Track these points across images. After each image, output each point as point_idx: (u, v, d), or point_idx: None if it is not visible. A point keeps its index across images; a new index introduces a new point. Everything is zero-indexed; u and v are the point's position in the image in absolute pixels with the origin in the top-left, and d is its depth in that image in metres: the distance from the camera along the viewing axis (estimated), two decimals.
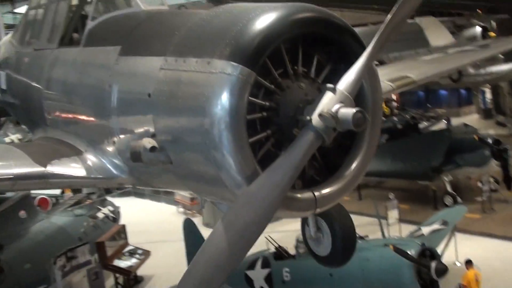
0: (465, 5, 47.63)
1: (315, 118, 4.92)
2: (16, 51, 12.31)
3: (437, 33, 16.63)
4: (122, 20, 8.14)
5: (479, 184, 29.17)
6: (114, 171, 7.32)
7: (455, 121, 57.30)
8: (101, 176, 7.38)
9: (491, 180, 30.22)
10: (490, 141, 29.39)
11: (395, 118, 42.29)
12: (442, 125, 42.78)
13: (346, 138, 5.80)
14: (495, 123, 54.26)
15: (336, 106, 4.87)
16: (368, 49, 5.05)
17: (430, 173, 29.99)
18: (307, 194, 5.53)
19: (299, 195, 5.47)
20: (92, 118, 7.90)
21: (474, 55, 10.83)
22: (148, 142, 6.04)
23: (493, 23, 50.95)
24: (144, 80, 6.51)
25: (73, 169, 7.52)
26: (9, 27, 51.02)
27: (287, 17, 5.37)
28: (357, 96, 5.41)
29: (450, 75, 45.69)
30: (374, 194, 33.15)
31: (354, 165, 5.78)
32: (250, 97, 5.28)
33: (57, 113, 9.11)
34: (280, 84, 5.51)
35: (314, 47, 5.73)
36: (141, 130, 6.51)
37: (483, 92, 62.37)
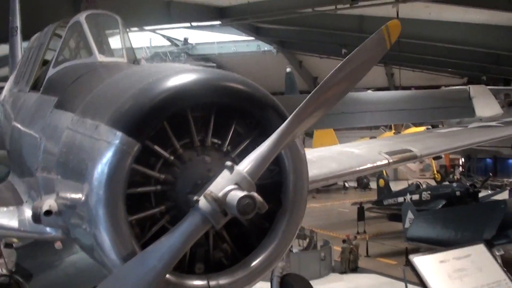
0: None
1: (202, 200, 4.39)
2: (10, 89, 12.35)
3: (485, 103, 16.04)
4: (72, 71, 7.88)
5: None
6: (47, 228, 6.65)
7: None
8: (32, 231, 7.09)
9: None
10: None
11: (454, 185, 41.34)
12: (505, 195, 41.39)
13: (267, 220, 5.20)
14: None
15: (227, 188, 4.33)
16: (281, 128, 4.48)
17: None
18: (200, 283, 4.92)
19: (189, 282, 4.88)
20: (29, 169, 7.56)
21: (494, 132, 10.25)
22: (47, 205, 5.65)
23: None
24: (56, 138, 6.15)
25: (6, 219, 7.33)
26: None
27: (189, 84, 4.90)
28: (277, 182, 5.01)
29: None
30: None
31: (262, 256, 5.10)
32: (143, 168, 4.79)
33: (14, 158, 8.94)
34: (181, 155, 4.95)
35: (233, 118, 5.19)
36: (50, 190, 6.05)
37: None
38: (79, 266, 23.55)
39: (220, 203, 4.27)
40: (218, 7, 33.30)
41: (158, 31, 46.78)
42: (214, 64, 53.94)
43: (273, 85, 59.80)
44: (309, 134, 51.03)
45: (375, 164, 8.75)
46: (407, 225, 33.76)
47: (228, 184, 4.36)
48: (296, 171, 5.22)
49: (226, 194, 4.30)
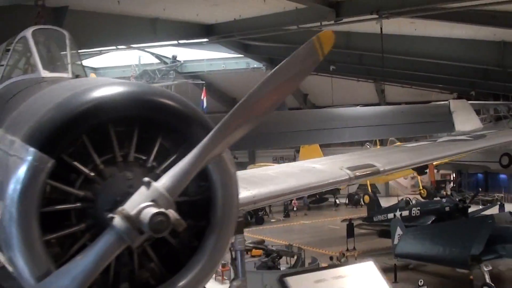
0: None
1: (116, 217, 4.19)
2: None
3: (465, 118, 15.97)
4: (14, 87, 7.64)
5: None
6: None
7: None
8: None
9: None
10: None
11: (444, 200, 41.37)
12: (495, 210, 41.55)
13: (198, 238, 5.07)
14: None
15: (142, 205, 4.15)
16: (203, 143, 4.34)
17: (468, 261, 28.54)
18: None
19: None
20: None
21: (462, 146, 10.13)
22: None
23: None
24: None
25: None
26: None
27: (110, 97, 4.69)
28: (208, 198, 4.85)
29: (500, 160, 44.74)
30: (413, 277, 31.75)
31: (189, 276, 4.94)
32: (59, 184, 4.59)
33: None
34: (102, 171, 4.75)
35: (159, 133, 5.02)
36: None
37: None
38: None
39: (133, 221, 4.11)
40: (205, 25, 33.31)
41: (146, 49, 46.80)
42: (203, 82, 53.97)
43: None
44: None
45: (335, 180, 8.62)
46: (396, 241, 33.72)
47: (144, 201, 4.20)
48: (225, 187, 5.06)
49: (140, 212, 4.13)
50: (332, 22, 27.78)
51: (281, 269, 30.82)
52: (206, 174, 4.82)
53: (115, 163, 4.82)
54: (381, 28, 27.14)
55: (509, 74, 38.85)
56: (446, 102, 17.96)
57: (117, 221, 4.16)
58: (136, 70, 50.86)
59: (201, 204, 5.02)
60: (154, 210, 4.09)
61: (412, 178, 70.59)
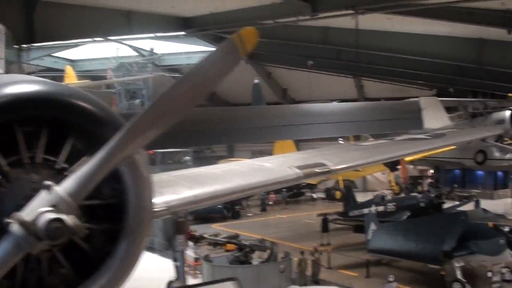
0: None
1: (13, 223, 3.99)
2: None
3: (434, 115, 15.96)
4: None
5: (489, 274, 27.79)
6: None
7: (488, 203, 56.02)
8: None
9: (505, 270, 28.82)
10: (506, 230, 28.06)
11: (419, 196, 41.60)
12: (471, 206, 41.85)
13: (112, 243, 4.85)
14: None
15: (39, 211, 3.97)
16: (110, 145, 4.15)
17: (440, 257, 28.69)
18: None
19: None
20: None
21: (419, 145, 10.05)
22: None
23: None
24: None
25: None
26: (48, 70, 52.72)
27: (15, 96, 4.45)
28: (120, 202, 4.66)
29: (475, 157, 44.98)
30: (385, 272, 31.83)
31: (101, 281, 4.74)
32: None
33: None
34: (7, 174, 4.48)
35: (71, 135, 4.80)
36: None
37: None
38: None
39: (29, 227, 3.95)
40: (181, 18, 33.13)
41: (124, 42, 46.44)
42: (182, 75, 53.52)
43: (239, 96, 59.99)
44: None
45: (283, 179, 8.50)
46: (369, 236, 33.82)
47: (43, 205, 4.02)
48: (137, 190, 4.82)
49: (36, 217, 3.96)
50: (308, 17, 27.69)
51: (254, 263, 30.85)
52: (118, 176, 4.62)
53: (23, 165, 4.59)
54: (356, 24, 27.14)
55: (486, 71, 39.05)
56: (416, 99, 17.89)
57: (14, 227, 3.99)
58: (113, 62, 50.44)
59: (117, 207, 4.81)
60: (51, 216, 3.94)
61: (388, 173, 71.12)
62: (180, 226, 7.24)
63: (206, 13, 31.79)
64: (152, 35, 37.62)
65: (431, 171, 68.17)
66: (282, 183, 8.72)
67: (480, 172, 61.82)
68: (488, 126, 43.47)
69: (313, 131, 17.49)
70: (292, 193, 62.95)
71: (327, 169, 8.70)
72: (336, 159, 8.94)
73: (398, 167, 37.72)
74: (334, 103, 22.55)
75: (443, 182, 64.49)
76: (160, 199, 7.47)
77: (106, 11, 28.35)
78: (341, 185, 40.94)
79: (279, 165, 8.60)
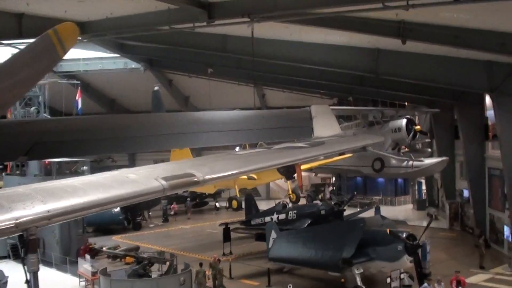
0: (403, 96, 48.22)
1: None
2: None
3: (324, 123, 15.79)
4: None
5: (388, 280, 28.08)
6: None
7: (390, 210, 57.50)
8: None
9: (403, 275, 29.25)
10: (404, 235, 28.42)
11: (320, 204, 41.89)
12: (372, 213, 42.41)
13: None
14: (426, 214, 54.21)
15: None
16: None
17: (340, 264, 28.80)
18: None
19: None
20: None
21: (297, 154, 9.74)
22: None
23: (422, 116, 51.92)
24: None
25: None
26: None
27: None
28: None
29: (373, 165, 45.89)
30: (287, 281, 31.66)
31: None
32: None
33: None
34: None
35: None
36: None
37: (420, 183, 62.78)
38: None
39: None
40: (76, 22, 31.89)
41: (19, 46, 44.41)
42: (78, 82, 52.08)
43: (141, 104, 58.86)
44: None
45: (147, 191, 7.98)
46: (270, 245, 33.69)
47: None
48: None
49: None
50: (205, 23, 27.23)
51: (152, 276, 30.09)
52: None
53: None
54: (252, 32, 26.89)
55: (383, 80, 39.75)
56: (307, 107, 17.71)
57: None
58: None
59: None
60: None
61: (293, 182, 71.67)
62: (32, 245, 6.61)
63: (103, 17, 30.74)
64: None
65: (333, 178, 69.38)
66: (146, 195, 8.13)
67: (381, 179, 63.17)
68: (385, 134, 44.54)
69: (202, 139, 16.98)
70: (195, 202, 62.46)
71: (195, 180, 8.20)
72: (207, 169, 8.44)
73: (294, 176, 37.70)
74: (229, 112, 22.17)
75: (345, 189, 65.66)
76: (8, 215, 6.81)
77: None
78: (237, 194, 40.56)
79: (144, 176, 8.01)
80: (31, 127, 15.57)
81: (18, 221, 6.93)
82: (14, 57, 3.33)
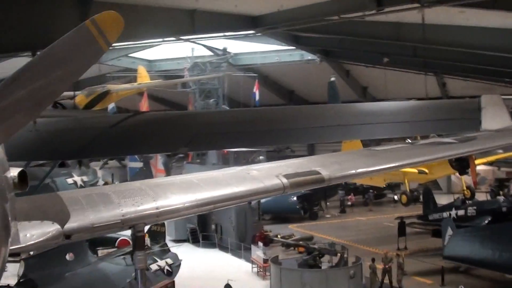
0: None
1: None
2: None
3: (493, 115, 14.54)
4: None
5: None
6: None
7: None
8: None
9: None
10: None
11: (501, 200, 39.43)
12: None
13: None
14: None
15: None
16: None
17: None
18: None
19: None
20: None
21: (443, 151, 8.77)
22: None
23: None
24: None
25: None
26: (126, 70, 53.34)
27: None
28: None
29: None
30: (462, 281, 30.19)
31: None
32: None
33: None
34: None
35: None
36: None
37: None
38: (89, 279, 23.01)
39: None
40: (249, 16, 32.45)
41: (198, 41, 46.26)
42: (256, 75, 53.20)
43: (318, 94, 58.84)
44: None
45: (266, 189, 7.58)
46: (446, 242, 32.24)
47: None
48: None
49: None
50: (374, 11, 26.52)
51: (322, 267, 30.02)
52: None
53: None
54: (422, 17, 25.70)
55: None
56: (476, 98, 16.42)
57: None
58: (189, 62, 50.46)
59: None
60: None
61: (476, 175, 68.18)
62: (139, 241, 6.57)
63: (274, 11, 31.00)
64: (221, 34, 37.05)
65: None
66: (266, 193, 7.79)
67: None
68: None
69: (363, 131, 16.45)
70: (374, 194, 61.56)
71: (320, 179, 7.73)
72: (336, 166, 7.94)
73: (468, 170, 35.65)
74: (393, 103, 21.34)
75: None
76: (115, 211, 6.83)
77: (169, 10, 28.00)
78: (407, 187, 39.16)
79: (266, 173, 7.69)
80: (191, 120, 16.01)
81: (124, 217, 6.95)
82: (47, 53, 3.18)
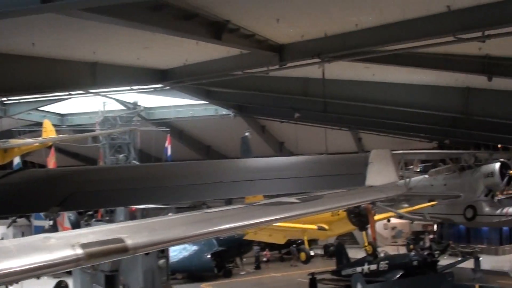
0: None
1: None
2: None
3: (379, 170, 14.26)
4: None
5: None
6: None
7: (493, 260, 54.04)
8: None
9: None
10: None
11: (412, 254, 39.84)
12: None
13: None
14: None
15: None
16: None
17: None
18: None
19: None
20: None
21: (279, 212, 7.99)
22: None
23: None
24: None
25: None
26: (37, 124, 51.71)
27: None
28: None
29: (464, 213, 42.87)
30: None
31: None
32: None
33: None
34: None
35: None
36: None
37: None
38: None
39: None
40: (155, 70, 31.94)
41: (109, 95, 45.32)
42: (168, 129, 52.56)
43: (236, 150, 58.48)
44: None
45: (55, 262, 6.51)
46: None
47: None
48: None
49: None
50: (277, 66, 26.44)
51: None
52: None
53: None
54: (323, 72, 25.71)
55: (476, 122, 37.44)
56: (366, 153, 16.16)
57: None
58: (100, 116, 49.39)
59: None
60: None
61: (393, 228, 69.01)
62: None
63: (180, 65, 30.56)
64: (128, 88, 36.19)
65: (435, 226, 66.30)
66: (54, 268, 6.69)
67: (485, 227, 59.54)
68: (477, 179, 41.64)
69: (253, 188, 15.94)
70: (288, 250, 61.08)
71: (122, 248, 6.75)
72: (145, 233, 7.03)
73: (367, 226, 35.74)
74: (282, 158, 21.05)
75: (447, 237, 62.48)
76: None
77: (70, 63, 27.18)
78: (307, 245, 38.77)
79: (65, 242, 6.77)
80: (68, 177, 15.14)
81: None
82: None
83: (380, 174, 14.00)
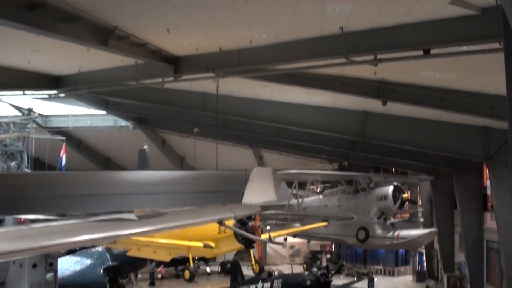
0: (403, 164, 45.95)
1: None
2: None
3: (257, 188, 13.89)
4: None
5: None
6: None
7: (388, 281, 55.10)
8: None
9: None
10: None
11: (306, 273, 39.86)
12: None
13: None
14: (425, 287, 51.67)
15: None
16: None
17: None
18: None
19: None
20: None
21: (113, 228, 7.44)
22: None
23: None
24: None
25: None
26: None
27: None
28: None
29: (357, 234, 43.48)
30: None
31: None
32: None
33: None
34: None
35: None
36: None
37: (421, 254, 60.09)
38: None
39: None
40: (53, 76, 30.79)
41: (3, 100, 43.39)
42: (63, 138, 50.77)
43: (134, 163, 57.29)
44: None
45: None
46: None
47: None
48: None
49: None
50: (172, 78, 25.88)
51: None
52: None
53: None
54: (217, 87, 25.32)
55: (373, 145, 38.06)
56: (248, 170, 15.84)
57: None
58: None
59: None
60: None
61: (291, 247, 69.22)
62: None
63: (75, 72, 29.49)
64: (21, 92, 34.59)
65: (333, 245, 67.12)
66: None
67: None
68: (369, 202, 42.33)
69: (125, 201, 15.25)
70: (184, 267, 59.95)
71: None
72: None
73: (254, 244, 35.51)
74: (159, 172, 20.61)
75: (343, 257, 63.30)
76: None
77: None
78: (191, 263, 37.90)
79: None
80: None
81: None
82: None
83: (258, 192, 13.59)
